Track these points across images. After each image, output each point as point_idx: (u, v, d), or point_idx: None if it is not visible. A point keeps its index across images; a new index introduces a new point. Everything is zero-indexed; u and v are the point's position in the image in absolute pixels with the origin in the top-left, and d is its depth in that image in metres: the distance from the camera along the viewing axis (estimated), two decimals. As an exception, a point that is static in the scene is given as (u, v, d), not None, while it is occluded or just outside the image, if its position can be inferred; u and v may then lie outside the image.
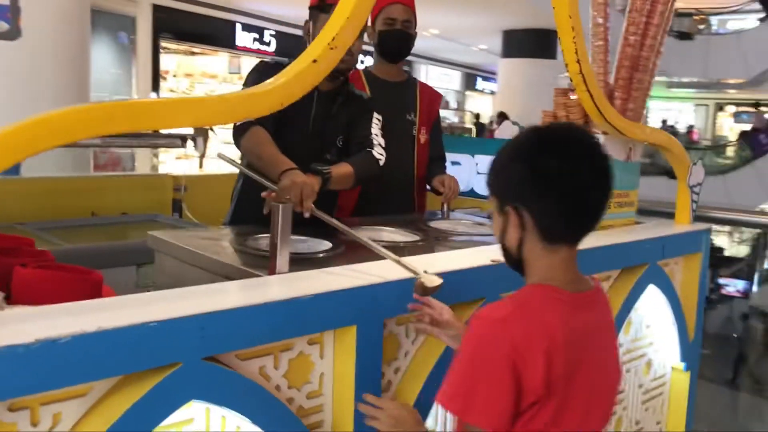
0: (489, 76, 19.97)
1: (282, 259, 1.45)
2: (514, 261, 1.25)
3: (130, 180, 3.65)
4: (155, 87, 10.42)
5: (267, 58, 2.32)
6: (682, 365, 2.38)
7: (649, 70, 2.24)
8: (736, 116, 24.41)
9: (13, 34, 1.29)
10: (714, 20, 17.94)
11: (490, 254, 1.74)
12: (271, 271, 1.47)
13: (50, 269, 1.34)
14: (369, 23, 2.58)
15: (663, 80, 20.07)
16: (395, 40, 2.51)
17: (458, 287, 1.60)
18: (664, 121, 21.41)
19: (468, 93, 20.42)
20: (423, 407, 1.54)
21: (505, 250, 1.26)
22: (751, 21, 17.72)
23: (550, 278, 1.20)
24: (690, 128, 21.73)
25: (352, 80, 2.37)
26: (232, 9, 11.44)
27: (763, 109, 23.34)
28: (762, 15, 17.15)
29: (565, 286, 1.20)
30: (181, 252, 1.73)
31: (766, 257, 5.19)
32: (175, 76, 11.89)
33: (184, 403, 1.17)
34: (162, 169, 6.61)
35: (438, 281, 1.43)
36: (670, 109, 24.31)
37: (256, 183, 1.72)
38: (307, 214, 1.66)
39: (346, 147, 2.20)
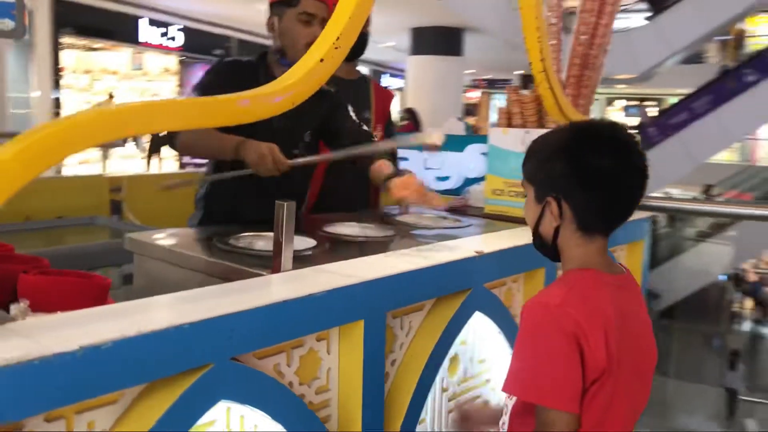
0: (396, 72, 20.18)
1: (286, 257, 1.47)
2: (547, 247, 1.32)
3: (64, 181, 3.50)
4: (56, 84, 9.95)
5: (227, 58, 2.30)
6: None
7: (597, 67, 2.38)
8: (626, 110, 25.78)
9: (19, 32, 1.23)
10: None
11: (470, 246, 1.81)
12: (276, 269, 1.47)
13: (56, 275, 1.30)
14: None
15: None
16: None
17: (446, 279, 1.65)
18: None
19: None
20: (419, 398, 1.59)
21: (538, 236, 1.33)
22: (637, 19, 18.74)
23: (590, 263, 1.28)
24: (586, 122, 22.73)
25: None
26: (137, 3, 11.07)
27: (647, 103, 24.78)
28: (649, 14, 18.16)
29: (605, 269, 1.28)
30: (169, 254, 1.71)
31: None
32: (74, 72, 11.42)
33: (214, 404, 1.17)
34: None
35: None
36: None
37: (222, 187, 1.74)
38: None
39: (316, 142, 2.22)
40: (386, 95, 2.74)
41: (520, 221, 2.31)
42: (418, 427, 1.58)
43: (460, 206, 2.57)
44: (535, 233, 1.35)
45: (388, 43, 14.50)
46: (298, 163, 1.80)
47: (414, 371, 1.60)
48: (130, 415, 1.10)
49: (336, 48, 1.33)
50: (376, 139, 2.37)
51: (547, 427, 1.18)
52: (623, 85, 23.80)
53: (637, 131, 18.24)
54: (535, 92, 2.37)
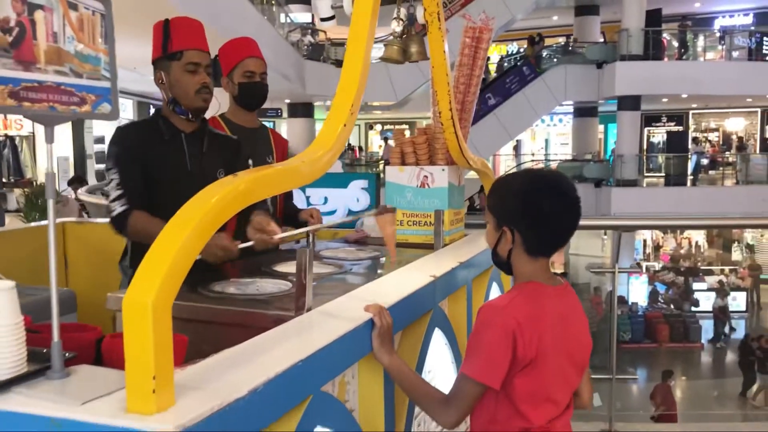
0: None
1: (309, 297, 1.65)
2: (503, 263, 1.67)
3: None
4: None
5: (121, 125, 2.36)
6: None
7: (470, 110, 2.80)
8: (382, 133, 27.54)
9: (114, 115, 1.26)
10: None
11: (422, 271, 2.11)
12: (299, 309, 1.65)
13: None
14: (223, 74, 2.74)
15: (324, 105, 21.80)
16: (255, 91, 2.71)
17: (413, 306, 1.92)
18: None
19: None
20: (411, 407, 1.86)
21: (497, 254, 1.68)
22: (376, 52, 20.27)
23: (535, 277, 1.64)
24: (351, 147, 23.92)
25: (214, 126, 2.53)
26: None
27: (403, 126, 26.72)
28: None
29: (546, 282, 1.65)
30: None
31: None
32: None
33: (314, 429, 1.35)
34: None
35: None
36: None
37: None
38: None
39: None
40: (283, 141, 2.93)
41: (419, 246, 2.67)
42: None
43: (361, 238, 2.84)
44: (494, 253, 1.70)
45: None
46: (245, 246, 1.97)
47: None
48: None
49: (351, 114, 1.56)
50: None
51: (461, 391, 1.57)
52: (379, 112, 25.47)
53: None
54: (425, 134, 2.74)
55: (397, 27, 2.14)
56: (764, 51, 19.28)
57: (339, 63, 18.08)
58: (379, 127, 27.62)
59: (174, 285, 1.05)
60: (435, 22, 2.23)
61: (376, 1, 1.72)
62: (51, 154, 1.15)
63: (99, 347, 1.37)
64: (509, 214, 1.64)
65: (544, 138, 27.94)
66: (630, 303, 16.96)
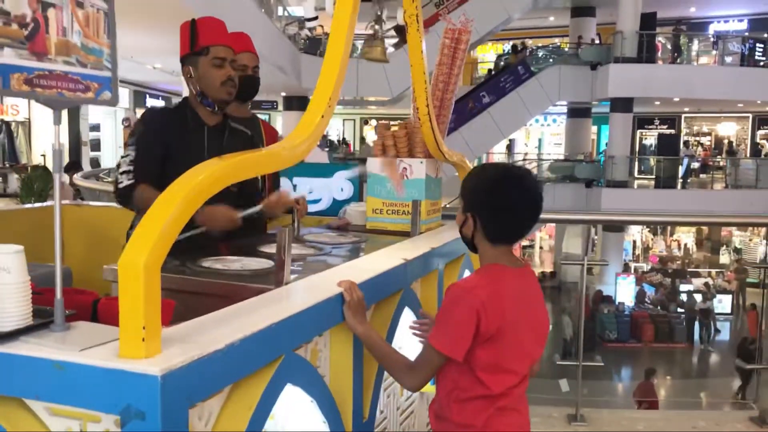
0: (159, 93, 19.83)
1: (287, 272, 1.82)
2: (469, 244, 1.85)
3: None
4: None
5: (155, 107, 2.54)
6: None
7: (449, 107, 2.97)
8: (376, 129, 27.69)
9: (114, 101, 1.42)
10: (359, 45, 20.23)
11: (396, 255, 2.28)
12: (279, 282, 1.82)
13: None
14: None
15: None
16: (248, 85, 2.87)
17: (383, 285, 2.09)
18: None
19: (139, 110, 20.02)
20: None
21: (462, 235, 1.85)
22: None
23: (498, 260, 1.81)
24: (345, 141, 24.09)
25: None
26: None
27: (397, 122, 26.85)
28: (395, 41, 19.87)
29: (509, 264, 1.82)
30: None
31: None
32: None
33: (284, 387, 1.52)
34: None
35: None
36: (320, 123, 26.57)
37: None
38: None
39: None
40: (273, 131, 3.09)
41: (397, 234, 2.84)
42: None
43: (343, 225, 3.01)
44: (461, 232, 1.87)
45: (155, 64, 14.29)
46: (246, 214, 2.22)
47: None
48: (231, 402, 1.41)
49: (329, 106, 1.73)
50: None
51: (426, 359, 1.75)
52: (374, 107, 25.63)
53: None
54: (405, 128, 2.91)
55: (378, 28, 2.29)
56: (757, 57, 19.49)
57: (335, 57, 18.26)
58: (374, 122, 27.79)
59: (162, 249, 1.22)
60: (414, 24, 2.39)
61: (356, 1, 1.88)
62: (58, 134, 1.32)
63: (95, 308, 1.53)
64: (475, 201, 1.81)
65: (538, 137, 28.15)
66: (617, 303, 17.20)
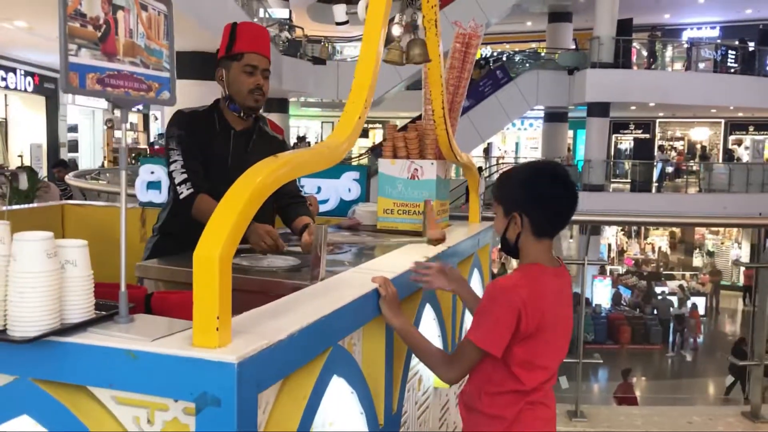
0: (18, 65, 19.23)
1: (323, 268, 1.88)
2: (511, 248, 1.91)
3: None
4: None
5: (184, 109, 2.53)
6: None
7: (458, 110, 3.04)
8: (385, 130, 27.74)
9: (172, 101, 1.46)
10: (339, 47, 20.31)
11: (414, 254, 2.35)
12: (314, 278, 1.87)
13: (179, 294, 1.58)
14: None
15: (297, 100, 21.95)
16: None
17: (408, 282, 2.14)
18: (299, 136, 23.46)
19: (118, 111, 19.82)
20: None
21: (505, 240, 1.91)
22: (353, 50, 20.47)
23: (539, 260, 1.88)
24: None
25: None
26: None
27: (376, 125, 26.98)
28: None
29: (548, 264, 1.89)
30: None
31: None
32: None
33: (332, 378, 1.58)
34: None
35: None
36: (298, 126, 26.62)
37: (179, 221, 2.10)
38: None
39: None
40: (279, 130, 3.13)
41: (408, 233, 2.91)
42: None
43: (353, 224, 3.07)
44: (503, 239, 1.94)
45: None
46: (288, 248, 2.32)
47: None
48: (287, 389, 1.46)
49: (365, 108, 1.79)
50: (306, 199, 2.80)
51: (464, 353, 1.81)
52: (354, 109, 25.61)
53: (372, 151, 19.96)
54: (416, 130, 2.98)
55: (397, 32, 2.36)
56: (729, 63, 19.92)
57: (315, 60, 18.28)
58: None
59: (233, 244, 1.27)
60: (432, 28, 2.46)
61: (387, 5, 1.94)
62: (125, 134, 1.36)
63: (147, 302, 1.58)
64: (516, 200, 1.88)
65: (515, 141, 28.42)
66: (594, 305, 17.42)
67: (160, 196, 3.61)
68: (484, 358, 1.81)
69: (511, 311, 1.76)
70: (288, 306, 1.57)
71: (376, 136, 26.79)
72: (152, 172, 3.64)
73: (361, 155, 21.83)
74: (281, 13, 17.44)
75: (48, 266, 1.26)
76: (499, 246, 2.01)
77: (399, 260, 2.25)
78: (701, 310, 18.60)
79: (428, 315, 2.34)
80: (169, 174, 2.45)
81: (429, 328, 2.37)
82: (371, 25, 1.91)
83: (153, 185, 3.65)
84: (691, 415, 3.56)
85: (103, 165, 17.58)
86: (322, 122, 27.58)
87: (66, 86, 1.21)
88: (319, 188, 3.41)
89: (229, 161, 2.49)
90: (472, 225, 3.29)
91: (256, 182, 1.34)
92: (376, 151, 19.19)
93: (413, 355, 2.15)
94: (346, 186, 3.41)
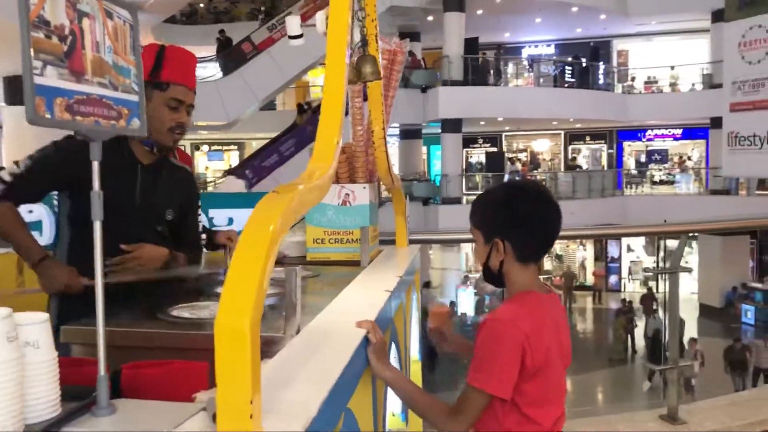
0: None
1: (298, 317, 1.63)
2: (495, 277, 1.75)
3: None
4: None
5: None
6: (417, 356, 3.07)
7: (386, 129, 2.88)
8: (209, 155, 26.91)
9: (142, 131, 1.14)
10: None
11: (371, 287, 2.14)
12: (289, 329, 1.62)
13: (155, 366, 1.27)
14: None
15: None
16: None
17: (382, 321, 1.92)
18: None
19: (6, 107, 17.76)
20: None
21: (488, 270, 1.75)
22: (214, 70, 19.86)
23: (529, 286, 1.74)
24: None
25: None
26: None
27: (230, 147, 26.27)
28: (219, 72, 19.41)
29: (540, 290, 1.75)
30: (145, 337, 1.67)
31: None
32: None
33: None
34: None
35: None
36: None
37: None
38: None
39: (179, 223, 2.27)
40: (187, 159, 2.82)
41: (341, 263, 2.69)
42: None
43: (279, 258, 2.80)
44: (485, 267, 1.78)
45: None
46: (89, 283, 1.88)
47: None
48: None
49: (341, 131, 1.59)
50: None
51: (469, 401, 1.62)
52: (206, 132, 24.82)
53: (228, 174, 19.33)
54: (344, 153, 2.77)
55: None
56: (566, 78, 21.27)
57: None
58: (206, 147, 26.90)
59: (261, 307, 1.02)
60: (373, 44, 2.28)
61: (348, 16, 1.74)
62: (97, 174, 1.07)
63: (114, 381, 1.27)
64: (498, 225, 1.72)
65: (371, 158, 28.69)
66: (459, 313, 17.83)
67: (41, 238, 3.14)
68: (490, 403, 1.64)
69: (515, 348, 1.60)
70: (286, 369, 1.32)
71: (231, 158, 26.05)
72: (30, 211, 3.17)
73: (217, 179, 21.16)
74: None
75: (8, 354, 0.95)
76: (482, 275, 1.86)
77: (363, 297, 2.04)
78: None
79: (392, 356, 2.13)
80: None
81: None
82: (335, 38, 1.70)
83: (33, 226, 3.17)
84: (615, 424, 3.59)
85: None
86: (192, 143, 26.45)
87: (34, 116, 0.91)
88: (231, 219, 3.11)
89: (137, 200, 2.16)
90: (398, 248, 3.13)
91: (269, 231, 1.10)
92: (235, 174, 18.63)
93: (387, 399, 1.95)
94: (263, 216, 3.13)
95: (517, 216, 1.71)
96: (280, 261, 2.78)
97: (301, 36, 1.91)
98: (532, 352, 1.61)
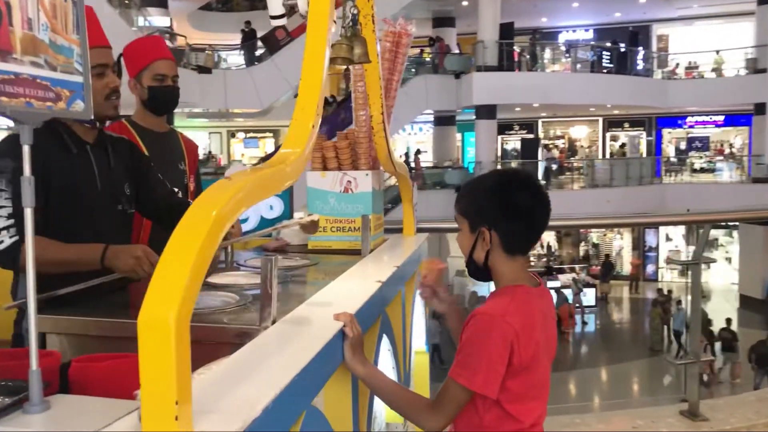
0: None
1: (274, 308, 1.57)
2: (480, 270, 1.66)
3: None
4: None
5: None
6: (424, 348, 3.00)
7: (389, 114, 2.79)
8: (245, 142, 27.08)
9: (87, 113, 1.09)
10: (224, 55, 19.66)
11: (365, 277, 2.07)
12: (264, 321, 1.56)
13: (104, 359, 1.22)
14: (130, 76, 2.56)
15: (183, 111, 21.08)
16: (167, 95, 2.54)
17: (369, 312, 1.87)
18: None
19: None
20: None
21: (473, 262, 1.66)
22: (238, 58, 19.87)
23: (518, 279, 1.65)
24: (212, 155, 23.30)
25: (118, 131, 2.36)
26: None
27: (267, 134, 26.37)
28: (260, 53, 19.44)
29: (529, 283, 1.67)
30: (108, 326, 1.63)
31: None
32: None
33: None
34: None
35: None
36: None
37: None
38: None
39: (140, 195, 2.19)
40: (193, 146, 2.78)
41: (342, 252, 2.63)
42: None
43: (281, 246, 2.75)
44: (470, 259, 1.69)
45: None
46: None
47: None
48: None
49: (317, 114, 1.51)
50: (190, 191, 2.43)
51: (450, 396, 1.55)
52: (242, 119, 24.98)
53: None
54: (347, 139, 2.70)
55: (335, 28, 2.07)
56: (604, 64, 20.82)
57: (201, 69, 17.59)
58: (241, 134, 27.05)
59: (192, 299, 0.95)
60: (369, 25, 2.20)
61: (331, -1, 1.67)
62: (28, 159, 1.01)
63: (63, 374, 1.22)
64: (485, 213, 1.63)
65: (405, 146, 28.57)
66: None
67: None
68: (471, 398, 1.57)
69: (503, 345, 1.52)
70: (246, 364, 1.26)
71: (266, 145, 26.17)
72: None
73: (255, 165, 21.20)
74: (161, 22, 16.65)
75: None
76: (466, 271, 1.77)
77: (352, 287, 1.97)
78: (592, 301, 19.32)
79: (384, 347, 2.06)
80: None
81: (385, 361, 2.10)
82: (316, 18, 1.62)
83: None
84: (634, 419, 3.47)
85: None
86: (210, 133, 26.63)
87: (-58, 96, 0.85)
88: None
89: (98, 182, 2.04)
90: (405, 237, 3.05)
91: (212, 216, 1.03)
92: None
93: (375, 398, 1.88)
94: (268, 203, 3.08)
95: (507, 204, 1.62)
96: (282, 249, 2.74)
97: (283, 16, 1.83)
98: (520, 350, 1.54)
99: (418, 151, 21.80)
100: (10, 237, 1.78)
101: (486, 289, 18.71)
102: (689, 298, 3.62)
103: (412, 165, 20.84)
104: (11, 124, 1.06)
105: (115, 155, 2.13)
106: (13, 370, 1.12)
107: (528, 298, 1.63)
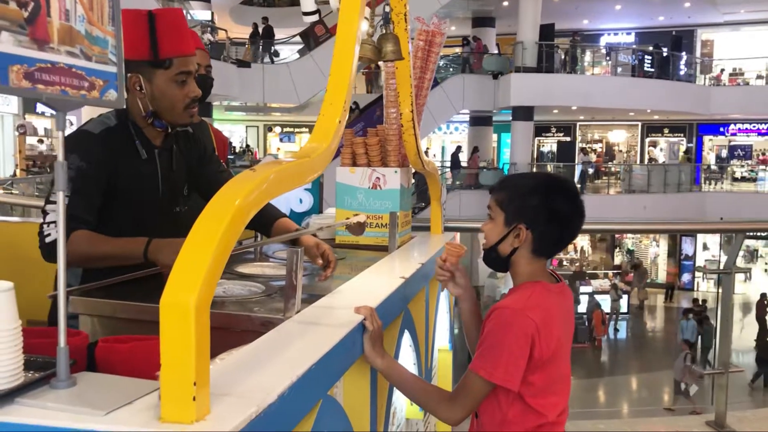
0: None
1: (299, 299, 1.60)
2: (500, 261, 1.68)
3: None
4: None
5: (93, 130, 1.96)
6: (447, 345, 3.00)
7: (420, 113, 2.81)
8: (281, 136, 27.31)
9: (120, 102, 1.15)
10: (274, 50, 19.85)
11: (389, 273, 2.10)
12: (288, 311, 1.59)
13: (129, 341, 1.27)
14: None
15: (221, 104, 21.33)
16: (200, 86, 2.58)
17: (390, 308, 1.88)
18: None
19: (30, 116, 18.68)
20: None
21: (494, 252, 1.67)
22: (291, 53, 20.09)
23: (537, 277, 1.66)
24: (250, 148, 23.52)
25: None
26: None
27: (302, 129, 26.53)
28: (300, 47, 19.61)
29: (548, 281, 1.68)
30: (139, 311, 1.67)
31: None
32: None
33: None
34: None
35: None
36: (221, 130, 25.94)
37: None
38: None
39: (200, 190, 2.20)
40: (222, 138, 2.83)
41: (369, 248, 2.65)
42: None
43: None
44: (494, 249, 1.70)
45: None
46: None
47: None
48: None
49: (344, 110, 1.53)
50: None
51: (470, 389, 1.57)
52: (279, 114, 25.20)
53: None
54: (376, 136, 2.72)
55: (363, 26, 2.10)
56: (645, 68, 20.53)
57: (240, 62, 17.81)
58: (278, 129, 27.29)
59: (212, 285, 0.99)
60: (401, 23, 2.22)
61: (363, -3, 1.69)
62: (62, 144, 1.06)
63: (90, 353, 1.27)
64: (526, 212, 1.64)
65: (441, 145, 28.52)
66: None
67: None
68: (492, 392, 1.58)
69: (524, 338, 1.54)
70: (266, 351, 1.29)
71: (302, 140, 26.36)
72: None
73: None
74: (203, 15, 16.88)
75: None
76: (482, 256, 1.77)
77: (376, 282, 2.00)
78: (624, 308, 19.05)
79: (406, 342, 2.08)
80: (43, 210, 1.87)
81: (406, 356, 2.12)
82: (347, 16, 1.65)
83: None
84: (658, 427, 3.44)
85: (15, 174, 16.43)
86: (247, 126, 26.92)
87: (-18, 82, 0.90)
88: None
89: (161, 188, 2.05)
90: (432, 236, 3.06)
91: (234, 206, 1.06)
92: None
93: (394, 391, 1.90)
94: (297, 196, 3.12)
95: (550, 209, 1.64)
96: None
97: (316, 12, 1.86)
98: (540, 344, 1.55)
99: (475, 149, 21.16)
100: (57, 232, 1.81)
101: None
102: (719, 308, 3.58)
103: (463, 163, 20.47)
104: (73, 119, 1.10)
105: (178, 156, 2.13)
106: (43, 347, 1.16)
107: (547, 295, 1.64)
